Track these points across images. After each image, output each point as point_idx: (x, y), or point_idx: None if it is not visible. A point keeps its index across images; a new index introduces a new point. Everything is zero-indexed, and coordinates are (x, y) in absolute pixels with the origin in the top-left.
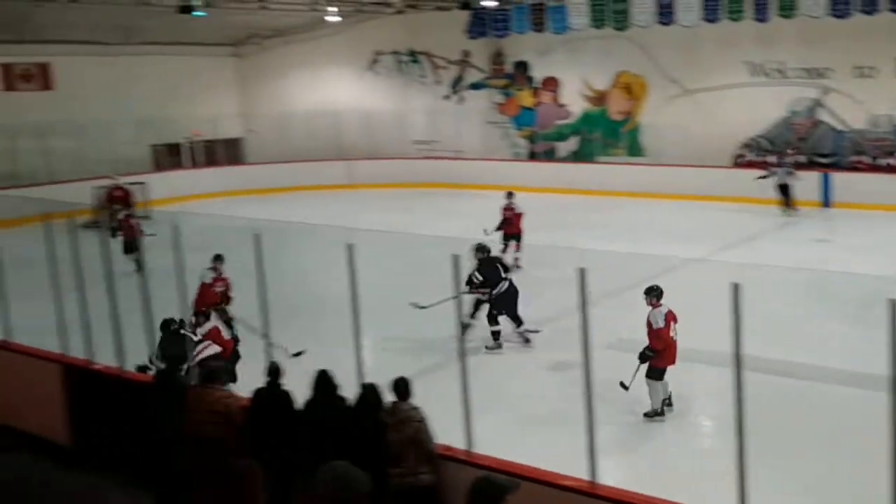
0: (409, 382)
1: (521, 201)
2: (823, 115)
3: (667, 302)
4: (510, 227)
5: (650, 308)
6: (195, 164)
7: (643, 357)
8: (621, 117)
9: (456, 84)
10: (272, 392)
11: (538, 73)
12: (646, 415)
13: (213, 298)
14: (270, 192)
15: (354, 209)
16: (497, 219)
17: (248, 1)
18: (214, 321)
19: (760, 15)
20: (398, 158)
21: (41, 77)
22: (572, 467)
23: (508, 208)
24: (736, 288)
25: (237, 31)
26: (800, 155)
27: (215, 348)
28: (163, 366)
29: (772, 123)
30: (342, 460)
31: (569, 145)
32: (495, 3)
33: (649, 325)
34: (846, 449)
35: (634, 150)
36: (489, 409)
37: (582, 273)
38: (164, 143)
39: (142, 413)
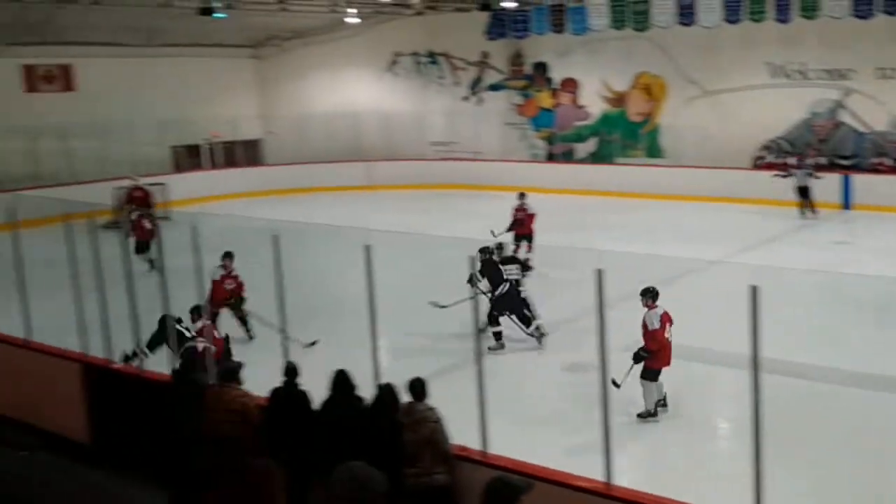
0: (425, 383)
1: (538, 202)
2: (845, 117)
3: (685, 303)
4: (522, 227)
5: (646, 309)
6: (214, 166)
7: (637, 357)
8: (640, 118)
9: (475, 85)
10: (289, 392)
11: (557, 74)
12: (639, 415)
13: (222, 294)
14: (289, 193)
15: (372, 210)
16: (508, 220)
17: (267, 3)
18: (207, 319)
19: (782, 16)
20: (416, 160)
21: (63, 78)
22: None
23: (521, 209)
24: (754, 290)
25: (257, 32)
26: (820, 157)
27: (207, 345)
28: (148, 354)
29: (792, 125)
30: (359, 460)
31: (587, 147)
32: (515, 4)
33: (644, 326)
34: (862, 450)
35: (653, 151)
36: (501, 410)
37: (599, 274)
38: (184, 144)
39: (160, 412)
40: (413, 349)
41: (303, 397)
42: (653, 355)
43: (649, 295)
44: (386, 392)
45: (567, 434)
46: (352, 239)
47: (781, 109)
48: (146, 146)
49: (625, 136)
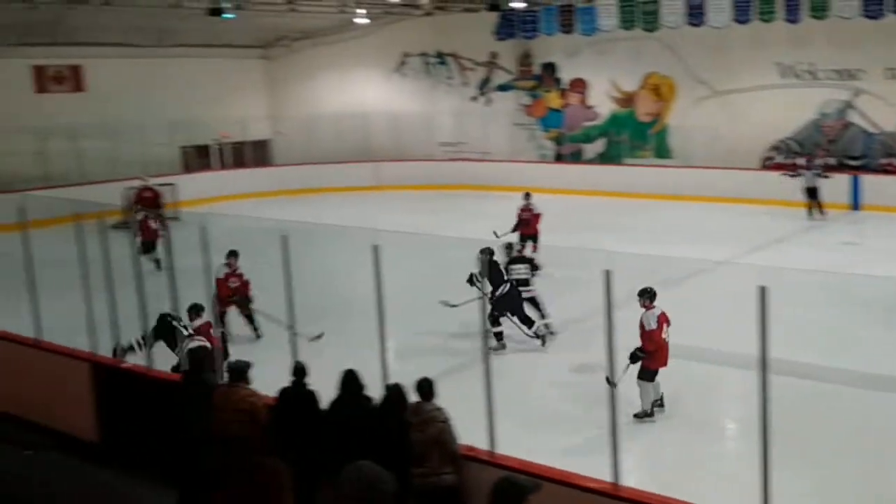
0: (432, 383)
1: (546, 203)
2: (854, 117)
3: (693, 304)
4: (527, 227)
5: (643, 310)
6: (224, 166)
7: (633, 357)
8: (649, 119)
9: (483, 86)
10: (297, 391)
11: (566, 74)
12: (636, 416)
13: (226, 292)
14: (298, 193)
15: (381, 211)
16: (510, 220)
17: (277, 3)
18: (207, 317)
19: (792, 16)
20: (425, 160)
21: (73, 79)
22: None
23: (526, 209)
24: (763, 291)
25: (266, 33)
26: (830, 157)
27: (204, 343)
28: (143, 347)
29: (801, 125)
30: (367, 460)
31: (596, 147)
32: (524, 5)
33: (642, 326)
34: (868, 451)
35: (662, 151)
36: (509, 411)
37: (607, 275)
38: (193, 144)
39: (169, 412)
40: (421, 349)
41: (311, 397)
42: (650, 356)
43: (647, 295)
44: (394, 392)
45: (574, 434)
46: (360, 239)
47: (791, 110)
48: (156, 146)
49: (633, 136)
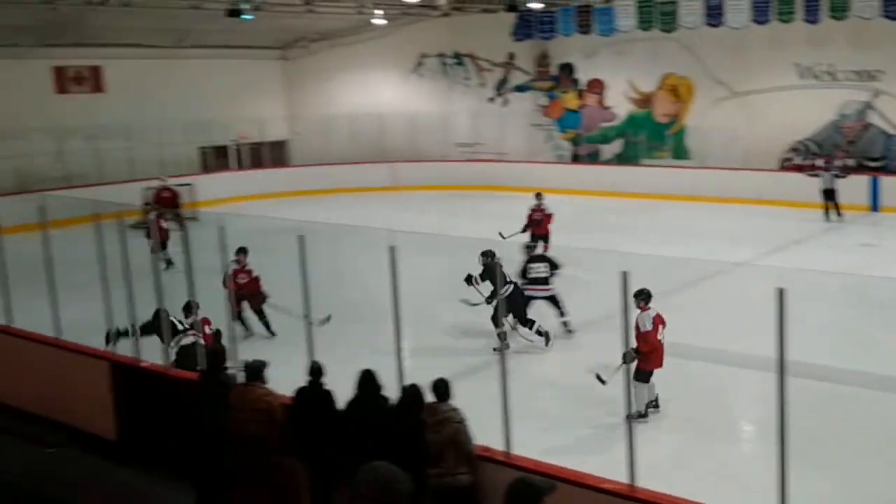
0: (448, 383)
1: (562, 203)
2: (873, 118)
3: (710, 305)
4: (539, 228)
5: (638, 311)
6: (241, 166)
7: (628, 357)
8: (667, 120)
9: (500, 86)
10: (314, 391)
11: (583, 75)
12: (628, 416)
13: (234, 288)
14: (314, 193)
15: (397, 211)
16: (523, 221)
17: (295, 4)
18: (202, 314)
19: (811, 16)
20: (441, 161)
21: (93, 80)
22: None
23: (538, 209)
24: (780, 293)
25: (284, 34)
26: (849, 158)
27: (197, 339)
28: (137, 336)
29: (820, 126)
30: (383, 460)
31: (613, 148)
32: (541, 6)
33: (637, 327)
34: (887, 454)
35: (680, 152)
36: (523, 412)
37: (624, 276)
38: (211, 145)
39: (187, 411)
40: (436, 349)
41: (327, 397)
42: (645, 357)
43: (642, 297)
44: (411, 393)
45: (584, 435)
46: (376, 240)
47: (810, 111)
48: (174, 147)
49: (651, 137)
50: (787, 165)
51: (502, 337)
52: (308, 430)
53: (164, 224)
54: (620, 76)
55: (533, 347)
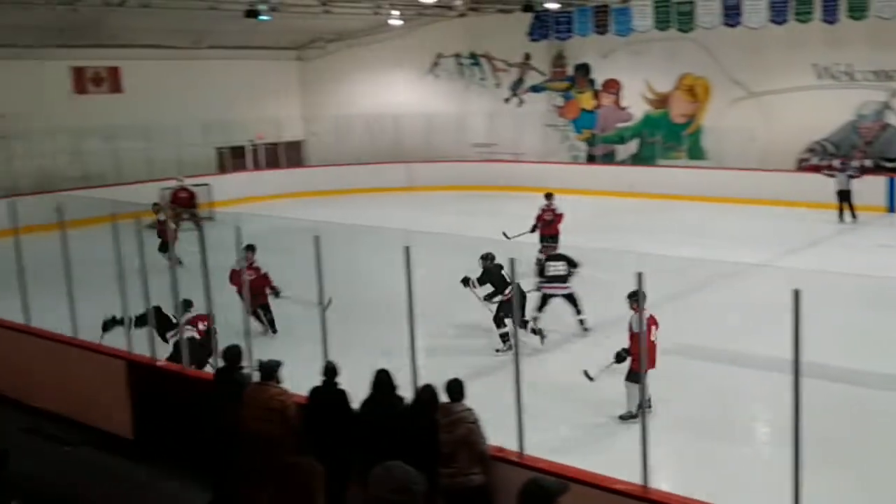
0: (462, 384)
1: (578, 204)
2: (891, 119)
3: (727, 307)
4: (550, 228)
5: (632, 312)
6: (258, 167)
7: (619, 358)
8: (683, 120)
9: (516, 86)
10: (328, 391)
11: (599, 75)
12: (621, 417)
13: (239, 284)
14: (330, 194)
15: (413, 212)
16: (531, 221)
17: (311, 5)
18: (198, 311)
19: (829, 16)
20: (457, 161)
21: (111, 80)
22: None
23: (548, 209)
24: (796, 294)
25: (301, 35)
26: (866, 159)
27: (193, 334)
28: (133, 325)
29: (838, 127)
30: (398, 460)
31: (629, 148)
32: (558, 6)
33: (630, 328)
34: None
35: (696, 153)
36: (536, 413)
37: (639, 277)
38: (228, 145)
39: (202, 409)
40: (451, 349)
41: (342, 397)
42: (637, 358)
43: (635, 298)
44: (426, 393)
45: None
46: (391, 240)
47: (827, 111)
48: (191, 147)
49: (667, 137)
50: (803, 166)
51: (504, 338)
52: (322, 429)
53: (171, 224)
54: (637, 76)
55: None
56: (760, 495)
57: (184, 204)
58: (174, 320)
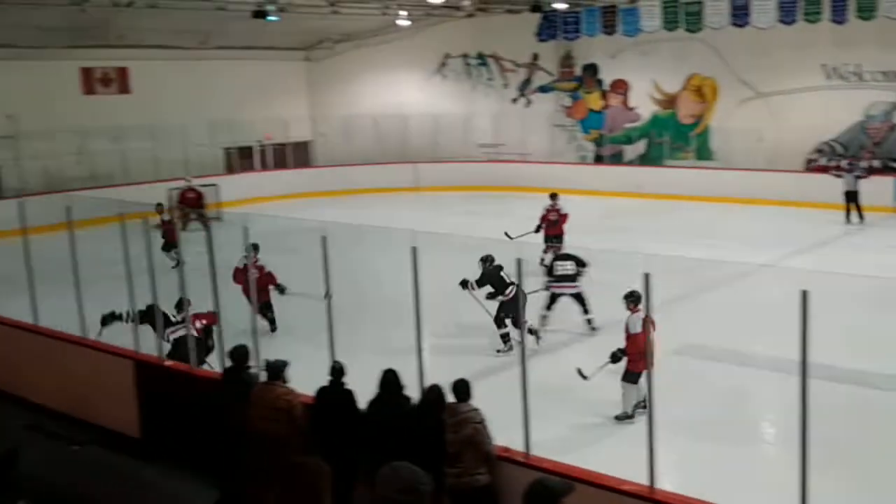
0: (468, 384)
1: (585, 204)
2: None
3: (734, 307)
4: (554, 228)
5: (629, 313)
6: (265, 167)
7: (614, 357)
8: (691, 120)
9: (524, 87)
10: (335, 391)
11: (607, 75)
12: (616, 417)
13: (241, 282)
14: (338, 194)
15: (420, 212)
16: (535, 222)
17: (319, 6)
18: (195, 309)
19: (838, 16)
20: (464, 161)
21: (119, 81)
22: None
23: (553, 209)
24: (804, 295)
25: (309, 35)
26: (874, 159)
27: (189, 332)
28: (132, 321)
29: (846, 127)
30: (404, 460)
31: (636, 148)
32: (566, 6)
33: (626, 329)
34: None
35: (703, 153)
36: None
37: (647, 278)
38: (236, 146)
39: (210, 409)
40: (457, 349)
41: (349, 397)
42: (633, 359)
43: (632, 299)
44: (433, 393)
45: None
46: (398, 240)
47: (835, 111)
48: (199, 147)
49: (675, 138)
50: (811, 166)
51: (505, 339)
52: (329, 429)
53: (180, 224)
54: (645, 77)
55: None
56: (767, 495)
57: (192, 204)
58: (172, 318)
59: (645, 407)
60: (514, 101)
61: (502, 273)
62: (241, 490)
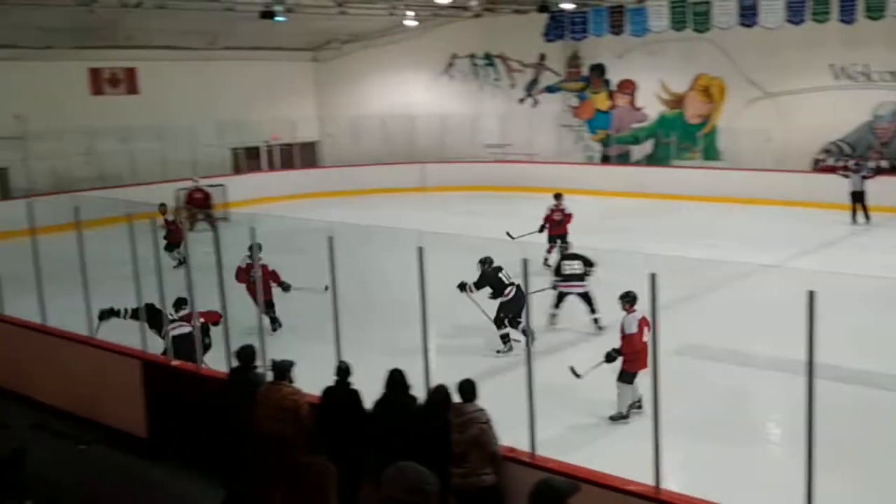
0: (474, 384)
1: (591, 204)
2: None
3: (740, 308)
4: (560, 228)
5: (624, 313)
6: (272, 167)
7: (609, 357)
8: (698, 120)
9: (531, 87)
10: (341, 391)
11: (614, 75)
12: (611, 418)
13: (244, 281)
14: (345, 194)
15: (426, 212)
16: (540, 222)
17: (327, 6)
18: (192, 308)
19: (846, 16)
20: (471, 162)
21: (128, 81)
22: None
23: (557, 209)
24: (811, 295)
25: (316, 36)
26: (882, 160)
27: (186, 329)
28: (128, 317)
29: (854, 127)
30: (410, 460)
31: (643, 149)
32: (573, 6)
33: (622, 329)
34: None
35: (711, 153)
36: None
37: (653, 279)
38: (243, 146)
39: (216, 408)
40: (463, 349)
41: (355, 397)
42: (629, 359)
43: (627, 299)
44: (439, 393)
45: (612, 436)
46: (404, 240)
47: (843, 112)
48: (207, 148)
49: (682, 138)
50: (819, 167)
51: (505, 339)
52: (335, 429)
53: (179, 226)
54: (652, 77)
55: (548, 348)
56: (770, 496)
57: (199, 204)
58: (169, 316)
59: (640, 407)
60: (521, 101)
61: (500, 274)
62: (248, 490)
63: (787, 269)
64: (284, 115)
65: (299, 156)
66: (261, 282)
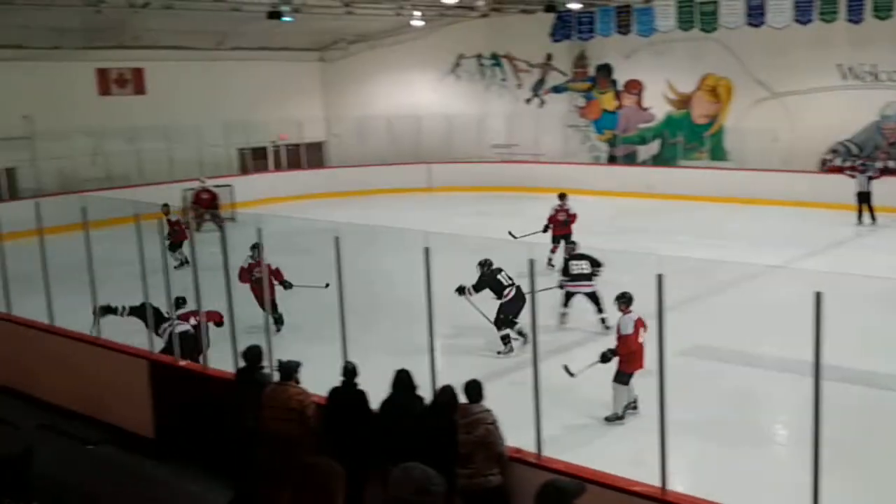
0: (481, 385)
1: (598, 205)
2: None
3: (746, 308)
4: (563, 228)
5: (620, 314)
6: (279, 168)
7: (604, 357)
8: (705, 121)
9: (537, 87)
10: (347, 391)
11: (621, 75)
12: (606, 418)
13: (247, 280)
14: (351, 195)
15: (433, 212)
16: (543, 222)
17: (334, 6)
18: (199, 307)
19: (854, 16)
20: (477, 162)
21: (135, 82)
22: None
23: (562, 209)
24: (818, 296)
25: (323, 36)
26: (889, 160)
27: (185, 327)
28: (125, 314)
29: (861, 128)
30: (417, 460)
31: (650, 149)
32: (580, 6)
33: (618, 330)
34: None
35: (718, 154)
36: (553, 414)
37: (660, 279)
38: (250, 146)
39: (223, 409)
40: (469, 349)
41: (361, 397)
42: (624, 359)
43: (623, 300)
44: (446, 394)
45: (609, 436)
46: (410, 241)
47: (851, 112)
48: (214, 148)
49: (689, 138)
50: (826, 167)
51: (505, 340)
52: (341, 430)
53: (183, 227)
54: (659, 77)
55: (555, 348)
56: (776, 496)
57: (206, 205)
58: (166, 315)
59: (636, 408)
60: (528, 101)
61: (499, 276)
62: (254, 490)
63: (794, 270)
64: (291, 115)
65: (306, 156)
66: (267, 281)
